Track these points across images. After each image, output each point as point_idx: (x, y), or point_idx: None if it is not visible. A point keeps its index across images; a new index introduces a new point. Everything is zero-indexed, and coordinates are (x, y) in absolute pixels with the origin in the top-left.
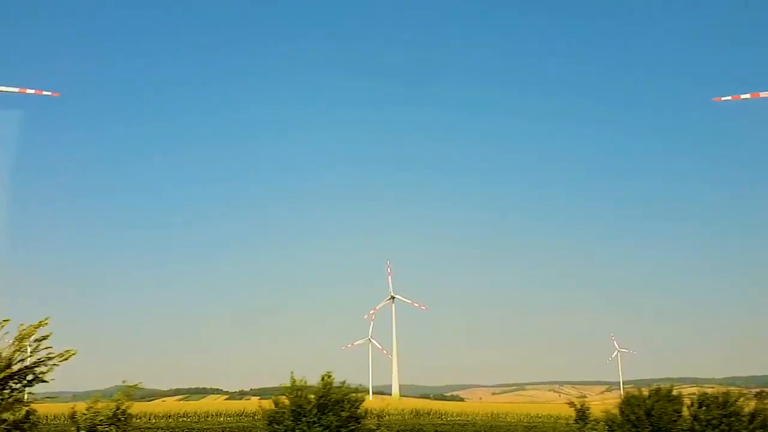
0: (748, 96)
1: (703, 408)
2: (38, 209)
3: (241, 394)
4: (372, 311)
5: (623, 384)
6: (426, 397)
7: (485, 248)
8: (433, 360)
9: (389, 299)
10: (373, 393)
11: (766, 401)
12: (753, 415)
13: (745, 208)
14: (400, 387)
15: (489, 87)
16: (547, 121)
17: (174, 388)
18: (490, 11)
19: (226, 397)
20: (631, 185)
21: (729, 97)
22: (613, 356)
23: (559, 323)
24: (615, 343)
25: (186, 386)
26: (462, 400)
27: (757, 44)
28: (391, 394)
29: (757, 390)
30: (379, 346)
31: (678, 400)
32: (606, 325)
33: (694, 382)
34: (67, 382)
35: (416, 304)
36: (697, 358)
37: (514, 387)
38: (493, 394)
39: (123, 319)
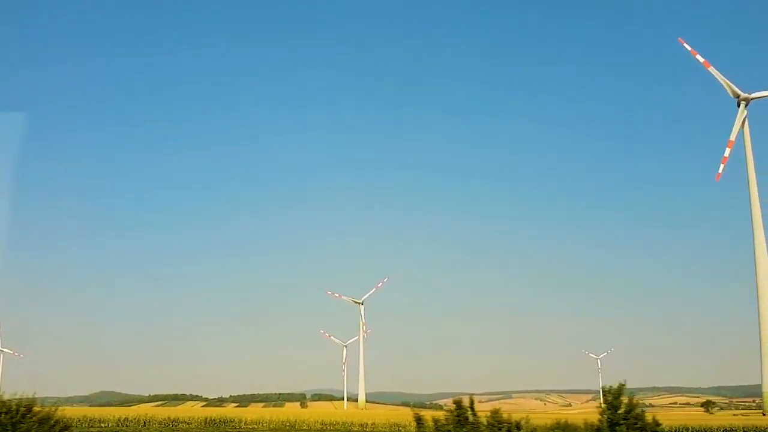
0: (701, 59)
1: None
2: (25, 212)
3: (220, 401)
4: (336, 294)
5: (603, 393)
6: (406, 404)
7: (475, 256)
8: (423, 368)
9: (356, 302)
10: (349, 401)
11: (712, 410)
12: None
13: (737, 219)
14: (385, 393)
15: (488, 89)
16: (545, 124)
17: (153, 394)
18: (490, 12)
19: (204, 403)
20: (619, 195)
21: (689, 48)
22: (599, 368)
23: (546, 332)
24: (591, 354)
25: (165, 392)
26: (441, 407)
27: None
28: (369, 402)
29: (704, 399)
30: (343, 359)
31: None
32: (593, 334)
33: (679, 391)
34: (53, 388)
35: (364, 326)
36: (684, 368)
37: (501, 395)
38: (479, 402)
39: (108, 325)
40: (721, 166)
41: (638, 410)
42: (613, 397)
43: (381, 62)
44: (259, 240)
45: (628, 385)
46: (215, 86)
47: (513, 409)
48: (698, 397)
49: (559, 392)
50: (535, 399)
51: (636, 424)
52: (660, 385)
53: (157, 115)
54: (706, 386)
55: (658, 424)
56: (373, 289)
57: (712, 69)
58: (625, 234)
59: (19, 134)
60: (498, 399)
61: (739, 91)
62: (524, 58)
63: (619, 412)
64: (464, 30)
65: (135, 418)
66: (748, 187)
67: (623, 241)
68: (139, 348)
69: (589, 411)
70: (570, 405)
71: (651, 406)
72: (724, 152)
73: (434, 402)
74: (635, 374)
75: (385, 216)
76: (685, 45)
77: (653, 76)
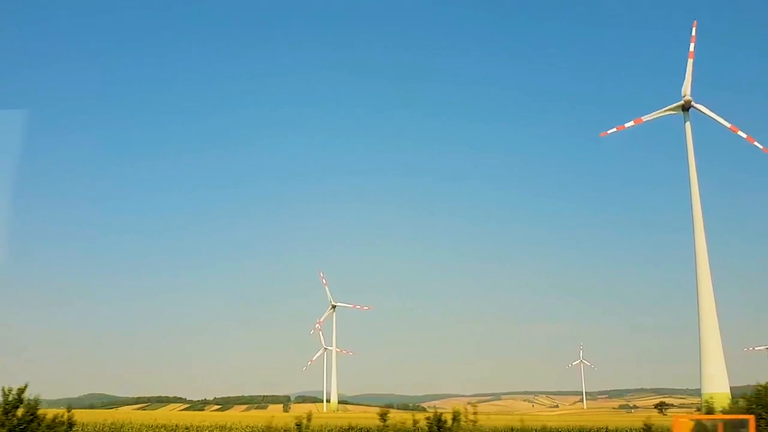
0: (691, 48)
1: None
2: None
3: (203, 404)
4: (317, 326)
5: (586, 394)
6: (390, 406)
7: (466, 260)
8: (413, 370)
9: (331, 309)
10: (339, 402)
11: (665, 411)
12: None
13: (738, 212)
14: (374, 396)
15: (487, 92)
16: (541, 127)
17: (137, 396)
18: (490, 14)
19: (187, 406)
20: (613, 198)
21: (694, 33)
22: (574, 363)
23: (536, 334)
24: (581, 352)
25: (149, 394)
26: (424, 410)
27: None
28: (355, 404)
29: (658, 401)
30: (313, 357)
31: None
32: (581, 335)
33: (667, 392)
34: (41, 390)
35: (357, 306)
36: (672, 369)
37: (490, 397)
38: (469, 403)
39: (96, 329)
40: (613, 129)
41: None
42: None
43: (380, 65)
44: (247, 243)
45: (615, 387)
46: (217, 88)
47: (500, 411)
48: (683, 398)
49: (547, 394)
50: (524, 401)
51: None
52: (647, 387)
53: (157, 117)
54: (693, 387)
55: (66, 425)
56: (350, 306)
57: (690, 62)
58: (613, 236)
59: (19, 133)
60: (487, 401)
61: (688, 92)
62: (522, 61)
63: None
64: (464, 32)
65: None
66: (690, 192)
67: (610, 246)
68: (130, 350)
69: (575, 412)
70: (557, 406)
71: (635, 407)
72: (626, 123)
73: (419, 404)
74: (622, 376)
75: (379, 218)
76: (694, 30)
77: (649, 78)
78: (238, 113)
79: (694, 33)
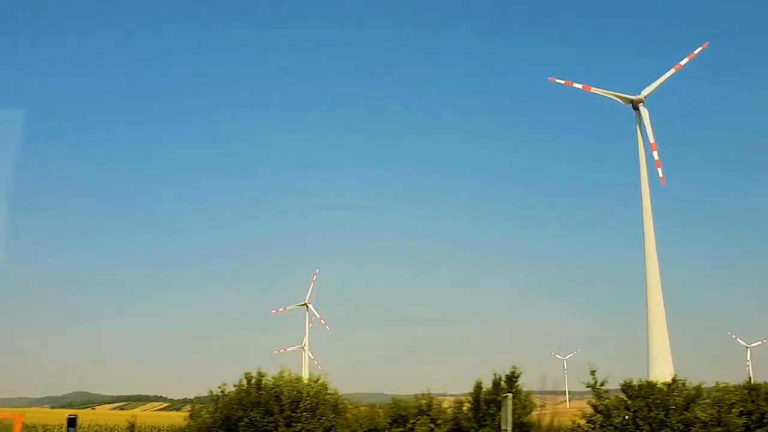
0: (694, 52)
1: None
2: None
3: (184, 402)
4: (280, 309)
5: (569, 393)
6: (372, 405)
7: (464, 258)
8: (406, 368)
9: (302, 305)
10: None
11: None
12: None
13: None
14: (366, 394)
15: (485, 92)
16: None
17: (116, 395)
18: (489, 15)
19: (166, 405)
20: (616, 194)
21: (701, 47)
22: (566, 368)
23: (529, 333)
24: (557, 356)
25: (130, 393)
26: None
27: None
28: None
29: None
30: (282, 348)
31: None
32: (575, 334)
33: None
34: (25, 389)
35: (322, 321)
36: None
37: None
38: (456, 401)
39: (80, 326)
40: (562, 81)
41: None
42: None
43: (380, 65)
44: (243, 243)
45: (611, 387)
46: (217, 88)
47: None
48: None
49: (537, 393)
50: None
51: None
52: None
53: (157, 117)
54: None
55: None
56: (317, 316)
57: (671, 71)
58: (610, 236)
59: (18, 133)
60: None
61: (646, 94)
62: (523, 60)
63: None
64: (464, 32)
65: None
66: (641, 189)
67: (606, 243)
68: (119, 349)
69: (558, 412)
70: (544, 406)
71: None
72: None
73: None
74: (608, 374)
75: (379, 218)
76: (699, 49)
77: (651, 79)
78: (238, 113)
79: (697, 51)
